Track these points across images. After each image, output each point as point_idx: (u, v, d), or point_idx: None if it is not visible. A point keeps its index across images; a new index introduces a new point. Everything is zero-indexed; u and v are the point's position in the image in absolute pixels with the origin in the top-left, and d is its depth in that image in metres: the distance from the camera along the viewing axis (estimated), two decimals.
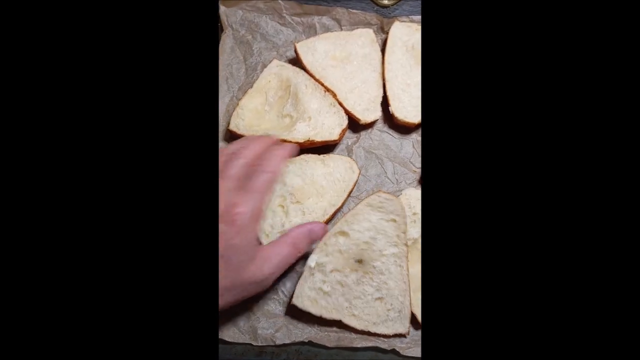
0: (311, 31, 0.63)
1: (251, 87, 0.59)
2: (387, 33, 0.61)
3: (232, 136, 0.59)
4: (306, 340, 0.50)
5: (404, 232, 0.51)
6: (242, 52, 0.63)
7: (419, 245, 0.53)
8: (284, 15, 0.64)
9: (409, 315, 0.49)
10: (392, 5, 0.65)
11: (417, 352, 0.50)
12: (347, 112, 0.57)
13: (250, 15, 0.63)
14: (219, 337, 0.50)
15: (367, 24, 0.63)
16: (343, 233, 0.51)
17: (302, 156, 0.55)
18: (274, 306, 0.52)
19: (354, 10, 0.63)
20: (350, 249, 0.51)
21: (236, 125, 0.57)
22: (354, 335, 0.50)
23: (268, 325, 0.51)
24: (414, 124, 0.57)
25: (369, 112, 0.58)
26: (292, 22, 0.64)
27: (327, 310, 0.49)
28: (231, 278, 0.41)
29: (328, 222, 0.54)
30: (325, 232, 0.49)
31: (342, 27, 0.63)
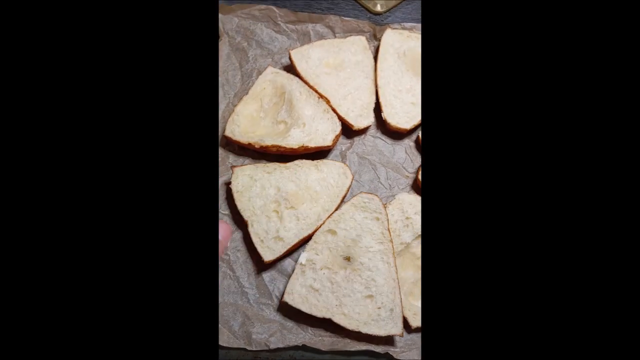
0: (305, 38, 0.64)
1: (246, 93, 0.60)
2: (380, 40, 0.62)
3: (227, 142, 0.59)
4: (300, 345, 0.51)
5: (388, 230, 0.52)
6: (238, 58, 0.63)
7: (411, 250, 0.54)
8: (279, 22, 0.64)
9: (401, 316, 0.50)
10: (385, 12, 0.66)
11: (410, 356, 0.50)
12: (340, 119, 0.58)
13: (245, 23, 0.64)
14: None
15: (360, 32, 0.64)
16: (331, 231, 0.53)
17: (296, 162, 0.56)
18: (268, 311, 0.53)
19: (347, 18, 0.64)
20: (339, 246, 0.52)
21: (232, 132, 0.57)
22: (347, 340, 0.51)
23: (262, 330, 0.51)
24: (406, 129, 0.58)
25: (362, 118, 0.59)
26: (286, 29, 0.64)
27: (317, 309, 0.50)
28: None
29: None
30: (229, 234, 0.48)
31: (336, 35, 0.64)
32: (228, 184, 0.57)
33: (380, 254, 0.51)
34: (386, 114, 0.58)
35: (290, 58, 0.60)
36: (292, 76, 0.60)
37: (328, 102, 0.58)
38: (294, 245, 0.52)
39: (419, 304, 0.51)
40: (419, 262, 0.53)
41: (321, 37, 0.64)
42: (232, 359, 0.51)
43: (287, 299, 0.50)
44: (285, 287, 0.52)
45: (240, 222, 0.55)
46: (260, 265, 0.54)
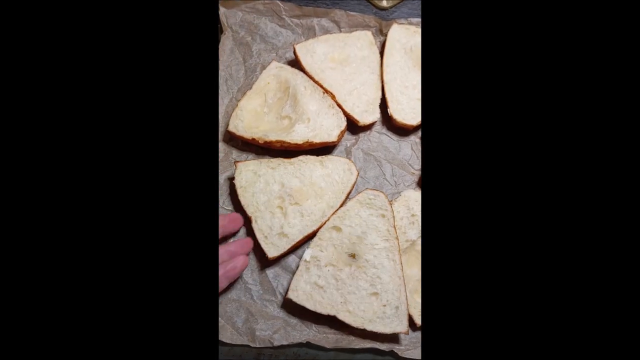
0: (310, 33, 0.63)
1: (250, 88, 0.59)
2: (386, 35, 0.61)
3: (231, 137, 0.59)
4: (304, 342, 0.50)
5: (394, 227, 0.51)
6: (242, 53, 0.63)
7: (417, 247, 0.53)
8: (283, 17, 0.64)
9: (406, 313, 0.49)
10: (391, 7, 0.66)
11: (415, 354, 0.50)
12: (345, 114, 0.57)
13: (249, 17, 0.64)
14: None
15: (366, 26, 0.63)
16: (336, 228, 0.52)
17: (301, 157, 0.55)
18: (272, 308, 0.52)
19: (353, 13, 0.63)
20: (344, 243, 0.51)
21: (235, 127, 0.57)
22: (352, 337, 0.50)
23: (266, 326, 0.51)
24: (412, 125, 0.58)
25: (368, 114, 0.58)
26: (291, 23, 0.64)
27: (321, 305, 0.49)
28: None
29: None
30: (245, 264, 0.51)
31: (341, 29, 0.63)
32: (231, 179, 0.56)
33: (386, 251, 0.51)
34: (392, 110, 0.58)
35: (294, 53, 0.59)
36: (296, 71, 0.59)
37: (333, 97, 0.58)
38: (298, 242, 0.52)
39: None
40: None
41: (326, 31, 0.63)
42: (236, 355, 0.51)
43: (292, 295, 0.50)
44: (289, 284, 0.51)
45: (243, 218, 0.55)
46: (264, 262, 0.54)
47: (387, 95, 0.58)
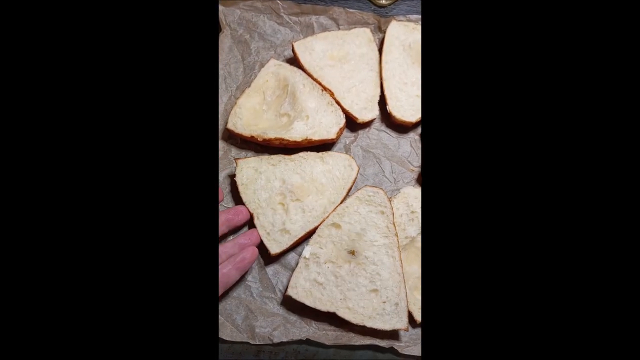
0: (309, 30, 0.63)
1: (249, 86, 0.59)
2: (385, 32, 0.61)
3: (230, 135, 0.59)
4: (304, 338, 0.50)
5: (393, 224, 0.51)
6: (240, 51, 0.63)
7: (416, 244, 0.53)
8: (282, 14, 0.64)
9: (406, 310, 0.49)
10: (390, 4, 0.66)
11: (415, 350, 0.50)
12: (344, 111, 0.57)
13: (248, 15, 0.64)
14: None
15: (365, 24, 0.63)
16: (335, 225, 0.52)
17: (301, 154, 0.55)
18: (271, 305, 0.52)
19: (352, 10, 0.63)
20: (343, 240, 0.51)
21: (234, 124, 0.57)
22: (352, 334, 0.50)
23: (266, 323, 0.51)
24: (411, 122, 0.58)
25: (367, 111, 0.58)
26: (289, 21, 0.64)
27: (321, 302, 0.49)
28: None
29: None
30: (255, 255, 0.50)
31: (340, 27, 0.63)
32: (232, 176, 0.56)
33: (385, 248, 0.51)
34: (391, 107, 0.58)
35: (293, 50, 0.59)
36: (295, 68, 0.59)
37: (332, 94, 0.58)
38: (300, 238, 0.52)
39: None
40: None
41: (325, 29, 0.63)
42: (236, 352, 0.51)
43: (291, 292, 0.50)
44: (289, 281, 0.51)
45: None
46: (266, 258, 0.54)
47: (386, 92, 0.58)
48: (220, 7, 0.63)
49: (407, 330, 0.49)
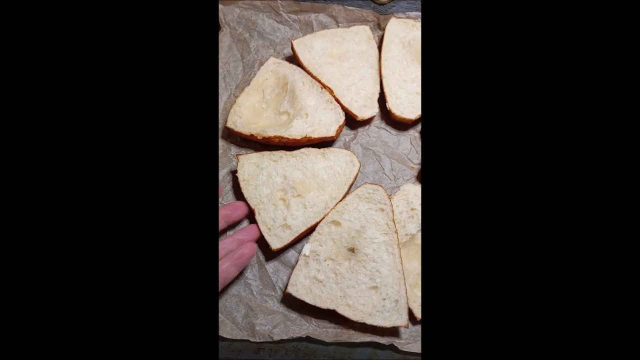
0: (308, 28, 0.63)
1: (248, 84, 0.59)
2: (384, 30, 0.61)
3: (229, 133, 0.59)
4: (304, 336, 0.50)
5: (393, 221, 0.51)
6: (240, 50, 0.63)
7: (416, 241, 0.53)
8: (281, 12, 0.64)
9: (406, 307, 0.49)
10: (389, 2, 0.65)
11: (415, 347, 0.50)
12: (344, 109, 0.57)
13: (247, 13, 0.64)
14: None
15: (364, 21, 0.63)
16: (335, 222, 0.52)
17: (303, 150, 0.55)
18: (271, 303, 0.52)
19: (351, 8, 0.63)
20: (343, 237, 0.52)
21: (234, 123, 0.57)
22: (352, 331, 0.50)
23: (266, 321, 0.51)
24: (411, 120, 0.58)
25: (366, 108, 0.58)
26: (289, 19, 0.64)
27: (321, 300, 0.49)
28: None
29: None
30: (253, 251, 0.50)
31: (339, 24, 0.63)
32: (233, 172, 0.56)
33: (385, 245, 0.51)
34: (391, 104, 0.57)
35: (292, 48, 0.59)
36: (294, 66, 0.59)
37: (331, 92, 0.58)
38: (301, 234, 0.52)
39: None
40: None
41: (324, 27, 0.63)
42: (236, 350, 0.51)
43: (291, 290, 0.50)
44: (288, 279, 0.51)
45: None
46: (265, 255, 0.54)
47: (386, 90, 0.58)
48: (220, 6, 0.63)
49: (407, 327, 0.49)
